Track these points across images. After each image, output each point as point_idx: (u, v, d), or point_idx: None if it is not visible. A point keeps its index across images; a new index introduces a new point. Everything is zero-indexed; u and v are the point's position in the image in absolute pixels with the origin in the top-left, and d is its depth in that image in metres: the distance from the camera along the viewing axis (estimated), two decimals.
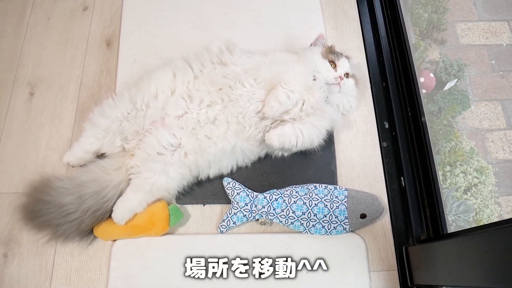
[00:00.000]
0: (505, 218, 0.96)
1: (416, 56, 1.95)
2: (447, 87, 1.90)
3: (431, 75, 1.92)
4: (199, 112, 1.21)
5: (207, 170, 1.26)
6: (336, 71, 1.29)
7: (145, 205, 1.18)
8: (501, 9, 2.19)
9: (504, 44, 2.09)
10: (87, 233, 1.18)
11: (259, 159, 1.32)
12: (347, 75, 1.31)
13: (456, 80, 1.91)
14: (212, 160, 1.22)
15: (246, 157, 1.28)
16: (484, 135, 1.87)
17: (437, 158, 1.71)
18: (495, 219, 1.66)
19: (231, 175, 1.30)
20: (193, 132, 1.19)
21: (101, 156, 1.27)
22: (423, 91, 1.86)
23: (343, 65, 1.31)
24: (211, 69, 1.26)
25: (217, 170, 1.27)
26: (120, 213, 1.15)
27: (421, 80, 1.87)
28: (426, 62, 2.01)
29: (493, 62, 2.03)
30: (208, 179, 1.29)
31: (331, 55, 1.31)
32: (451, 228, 1.53)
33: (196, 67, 1.28)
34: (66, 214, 1.10)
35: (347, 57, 1.35)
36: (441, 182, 1.67)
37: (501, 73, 2.02)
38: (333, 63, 1.30)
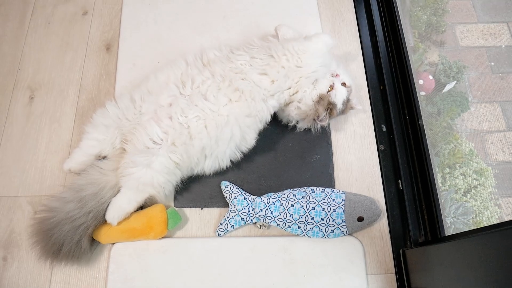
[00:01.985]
0: (505, 220, 0.96)
1: (415, 58, 1.96)
2: (446, 89, 1.91)
3: (430, 77, 1.92)
4: (191, 93, 1.21)
5: (202, 162, 1.24)
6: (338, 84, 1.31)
7: (134, 204, 1.18)
8: (500, 10, 2.19)
9: (503, 46, 2.09)
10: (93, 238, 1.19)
11: (257, 161, 1.33)
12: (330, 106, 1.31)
13: (455, 82, 1.92)
14: (207, 145, 1.20)
15: (243, 140, 1.26)
16: (484, 137, 1.87)
17: (436, 160, 1.72)
18: (495, 221, 1.66)
19: (229, 178, 1.31)
20: (182, 121, 1.18)
21: (102, 158, 1.28)
22: (422, 93, 1.86)
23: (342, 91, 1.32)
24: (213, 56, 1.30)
25: (213, 162, 1.25)
26: (111, 213, 1.15)
27: (420, 82, 1.87)
28: (425, 64, 2.01)
29: (492, 63, 2.03)
30: (206, 180, 1.30)
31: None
32: (450, 230, 1.53)
33: (190, 58, 1.30)
34: (73, 220, 1.11)
35: (351, 106, 1.37)
36: (440, 184, 1.68)
37: (500, 74, 2.02)
38: (344, 84, 1.32)
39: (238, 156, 1.28)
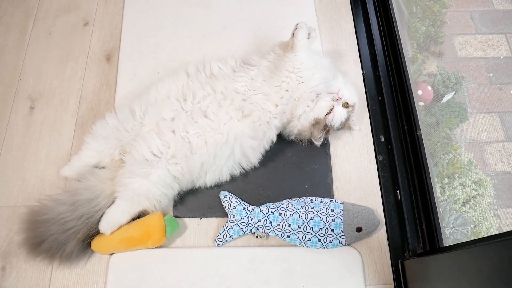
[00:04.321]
0: (505, 230, 0.96)
1: (413, 69, 1.97)
2: (445, 99, 1.91)
3: (429, 87, 1.93)
4: (192, 109, 1.22)
5: (203, 177, 1.26)
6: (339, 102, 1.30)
7: (127, 216, 1.19)
8: (498, 22, 2.20)
9: (502, 57, 2.10)
10: (86, 245, 1.19)
11: (256, 171, 1.33)
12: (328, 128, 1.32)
13: (453, 92, 1.92)
14: (205, 161, 1.21)
15: (246, 158, 1.28)
16: (483, 147, 1.87)
17: (435, 170, 1.72)
18: (494, 232, 1.66)
19: (228, 187, 1.31)
20: (184, 135, 1.19)
21: (100, 168, 1.29)
22: (421, 103, 1.87)
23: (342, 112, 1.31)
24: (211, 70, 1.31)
25: (214, 176, 1.27)
26: (104, 223, 1.16)
27: (419, 92, 1.88)
28: (424, 75, 2.02)
29: (491, 74, 2.04)
30: (205, 190, 1.30)
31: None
32: (449, 241, 1.53)
33: (191, 69, 1.31)
34: (63, 223, 1.12)
35: (349, 125, 1.37)
36: (439, 195, 1.67)
37: (498, 85, 2.02)
38: (346, 104, 1.31)
39: (237, 171, 1.29)
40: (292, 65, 1.23)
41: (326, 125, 1.30)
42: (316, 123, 1.29)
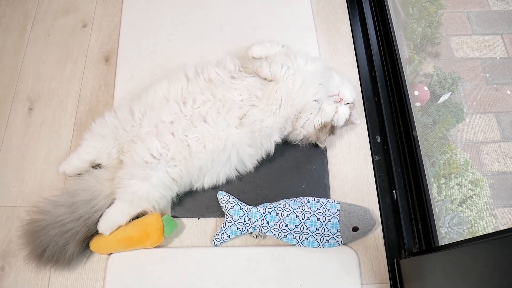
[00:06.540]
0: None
1: (410, 69, 1.98)
2: (441, 100, 1.92)
3: (426, 88, 1.94)
4: (192, 113, 1.23)
5: (202, 179, 1.27)
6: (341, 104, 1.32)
7: (127, 217, 1.19)
8: (494, 22, 2.21)
9: (498, 57, 2.10)
10: (85, 246, 1.20)
11: (253, 172, 1.34)
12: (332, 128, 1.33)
13: (450, 93, 1.93)
14: (203, 165, 1.22)
15: (241, 163, 1.29)
16: (479, 147, 1.88)
17: (432, 171, 1.73)
18: (491, 231, 1.67)
19: (226, 188, 1.32)
20: (183, 139, 1.20)
21: (97, 167, 1.30)
22: (417, 104, 1.88)
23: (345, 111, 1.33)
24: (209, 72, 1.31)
25: (212, 179, 1.28)
26: (104, 224, 1.17)
27: (415, 93, 1.89)
28: (421, 75, 2.03)
29: (487, 75, 2.05)
30: (203, 191, 1.31)
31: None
32: (445, 240, 1.54)
33: (191, 72, 1.31)
34: (61, 225, 1.13)
35: (351, 121, 1.39)
36: (436, 195, 1.68)
37: (495, 85, 2.03)
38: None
39: (233, 175, 1.30)
40: (280, 94, 1.23)
41: (332, 126, 1.32)
42: (323, 127, 1.31)
